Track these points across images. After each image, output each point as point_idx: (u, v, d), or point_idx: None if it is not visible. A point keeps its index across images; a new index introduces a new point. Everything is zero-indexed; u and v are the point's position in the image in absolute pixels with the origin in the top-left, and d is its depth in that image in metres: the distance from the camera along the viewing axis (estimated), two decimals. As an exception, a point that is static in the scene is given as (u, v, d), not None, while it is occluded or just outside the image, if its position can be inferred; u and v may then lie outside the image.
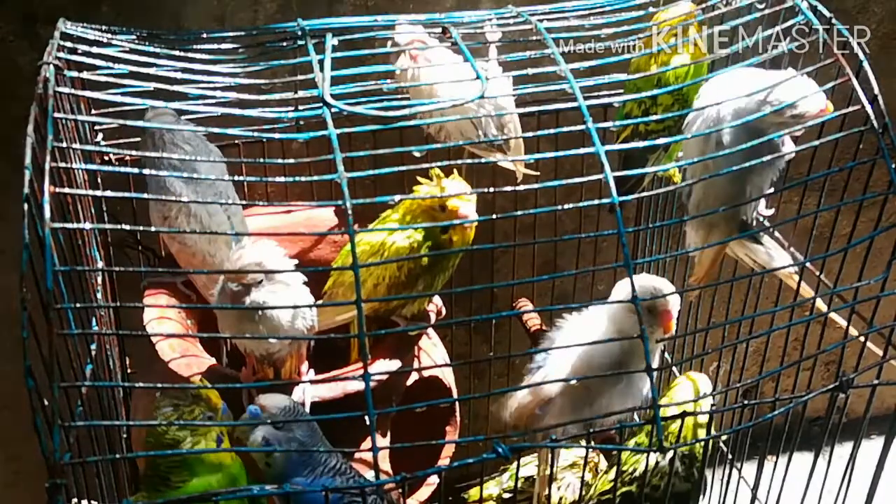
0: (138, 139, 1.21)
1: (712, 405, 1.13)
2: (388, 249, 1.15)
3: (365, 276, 1.17)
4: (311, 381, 1.12)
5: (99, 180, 1.22)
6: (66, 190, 0.91)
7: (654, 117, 1.23)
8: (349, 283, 1.20)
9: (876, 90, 1.00)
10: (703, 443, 1.16)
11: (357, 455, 1.13)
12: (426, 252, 1.15)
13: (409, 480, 0.85)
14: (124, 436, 1.22)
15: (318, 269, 1.31)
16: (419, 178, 1.16)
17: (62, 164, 0.88)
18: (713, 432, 1.09)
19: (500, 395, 1.23)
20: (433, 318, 1.28)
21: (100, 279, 1.20)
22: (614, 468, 1.21)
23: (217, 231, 1.17)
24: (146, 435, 0.95)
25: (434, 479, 1.23)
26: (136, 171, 1.06)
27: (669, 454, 1.12)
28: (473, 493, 1.52)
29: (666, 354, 1.56)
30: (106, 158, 1.25)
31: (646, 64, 1.27)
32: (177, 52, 1.07)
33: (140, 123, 1.11)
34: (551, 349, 1.18)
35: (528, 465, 1.40)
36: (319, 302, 1.22)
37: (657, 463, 1.16)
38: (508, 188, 1.00)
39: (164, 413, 0.93)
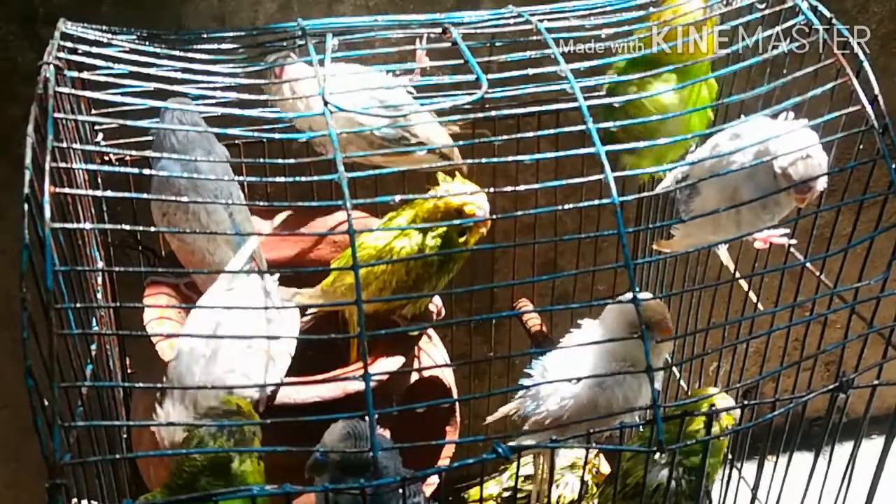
0: (139, 139, 1.21)
1: (712, 405, 1.13)
2: (396, 255, 1.15)
3: (370, 280, 1.17)
4: (311, 382, 1.12)
5: (99, 180, 1.22)
6: (66, 190, 0.91)
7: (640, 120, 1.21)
8: (349, 284, 1.20)
9: (876, 90, 1.00)
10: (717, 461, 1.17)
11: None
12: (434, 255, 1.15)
13: (409, 480, 0.85)
14: (124, 436, 1.22)
15: (318, 269, 1.31)
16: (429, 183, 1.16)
17: (62, 164, 0.88)
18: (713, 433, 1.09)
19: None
20: (433, 318, 1.28)
21: (100, 279, 1.20)
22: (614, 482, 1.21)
23: (216, 229, 1.17)
24: (189, 439, 0.92)
25: (434, 479, 1.23)
26: (136, 171, 1.06)
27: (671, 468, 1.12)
28: (473, 492, 1.52)
29: (666, 354, 1.56)
30: (106, 158, 1.25)
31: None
32: (177, 52, 1.07)
33: (140, 123, 1.11)
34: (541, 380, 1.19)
35: (528, 465, 1.40)
36: (319, 302, 1.22)
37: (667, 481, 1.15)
38: (508, 188, 1.00)
39: (207, 432, 0.91)
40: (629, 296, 0.91)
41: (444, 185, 1.15)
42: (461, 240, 1.15)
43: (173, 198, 1.09)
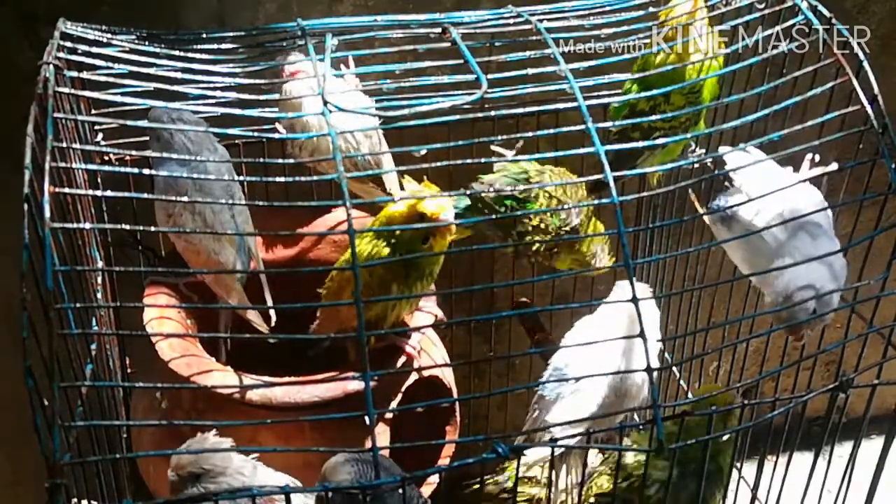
0: (139, 139, 1.21)
1: (713, 406, 1.13)
2: (360, 257, 1.13)
3: (343, 284, 1.16)
4: (311, 381, 1.12)
5: (99, 180, 1.22)
6: (66, 190, 0.91)
7: (663, 115, 1.20)
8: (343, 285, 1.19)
9: (876, 90, 1.00)
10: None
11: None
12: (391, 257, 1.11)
13: (409, 480, 0.85)
14: (124, 436, 1.22)
15: (318, 269, 1.31)
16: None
17: (62, 164, 0.88)
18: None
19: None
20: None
21: (100, 279, 1.20)
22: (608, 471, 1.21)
23: (220, 229, 1.16)
24: None
25: (434, 479, 1.23)
26: (135, 170, 1.06)
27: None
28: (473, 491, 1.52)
29: (666, 354, 1.56)
30: (106, 158, 1.25)
31: (660, 62, 1.24)
32: (177, 52, 1.07)
33: (141, 123, 1.11)
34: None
35: (529, 465, 1.40)
36: (319, 302, 1.22)
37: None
38: (508, 188, 1.00)
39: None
40: (627, 293, 0.91)
41: (409, 188, 1.14)
42: (425, 246, 1.10)
43: (173, 198, 1.09)
